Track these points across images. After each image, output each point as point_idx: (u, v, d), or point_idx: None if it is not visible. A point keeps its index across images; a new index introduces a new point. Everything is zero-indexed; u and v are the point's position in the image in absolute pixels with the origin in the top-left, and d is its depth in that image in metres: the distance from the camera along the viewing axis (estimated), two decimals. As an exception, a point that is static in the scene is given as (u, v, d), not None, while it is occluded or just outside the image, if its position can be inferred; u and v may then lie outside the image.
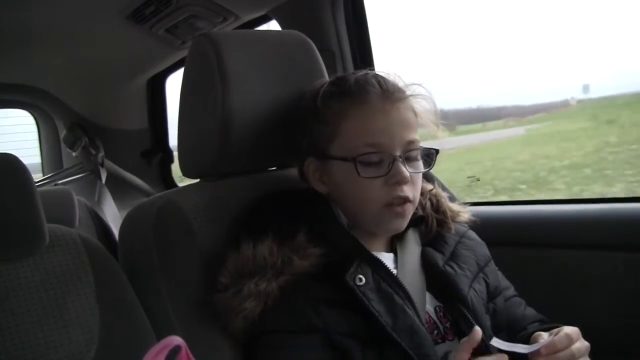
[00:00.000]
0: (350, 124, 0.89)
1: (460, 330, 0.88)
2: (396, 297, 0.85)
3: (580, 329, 0.83)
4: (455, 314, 0.89)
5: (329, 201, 0.91)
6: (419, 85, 0.94)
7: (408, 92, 0.92)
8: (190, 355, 0.68)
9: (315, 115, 0.92)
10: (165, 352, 0.66)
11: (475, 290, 0.93)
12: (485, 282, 0.97)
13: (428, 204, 0.99)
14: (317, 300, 0.82)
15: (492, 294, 0.98)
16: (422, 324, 0.84)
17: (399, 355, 0.81)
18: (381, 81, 0.92)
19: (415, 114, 0.92)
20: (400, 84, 0.93)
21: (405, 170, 0.87)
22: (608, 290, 1.13)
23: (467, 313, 0.89)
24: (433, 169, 0.95)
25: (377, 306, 0.82)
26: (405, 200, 0.88)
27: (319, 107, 0.92)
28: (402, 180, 0.87)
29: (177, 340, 0.68)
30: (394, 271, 0.89)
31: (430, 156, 0.93)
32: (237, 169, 1.04)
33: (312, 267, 0.84)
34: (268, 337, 0.82)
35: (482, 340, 0.86)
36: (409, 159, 0.89)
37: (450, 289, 0.91)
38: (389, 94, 0.90)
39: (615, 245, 1.14)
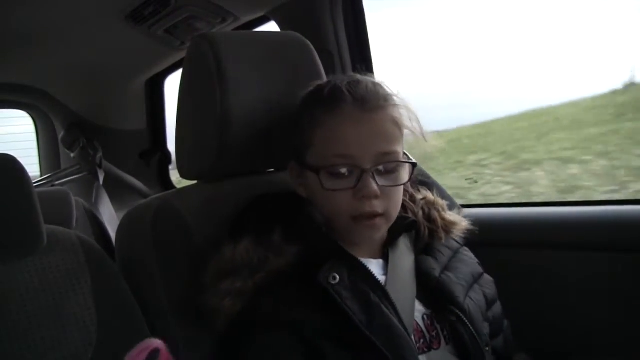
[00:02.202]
0: (322, 133, 0.87)
1: (457, 337, 0.87)
2: (373, 295, 0.83)
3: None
4: (453, 320, 0.88)
5: (309, 204, 0.90)
6: (400, 95, 0.90)
7: (389, 102, 0.88)
8: (171, 358, 0.67)
9: (296, 121, 0.92)
10: (144, 355, 0.66)
11: (472, 299, 0.93)
12: (483, 292, 0.97)
13: (420, 212, 0.97)
14: (292, 299, 0.81)
15: (490, 302, 0.98)
16: (405, 328, 0.82)
17: (375, 356, 0.79)
18: (356, 89, 0.87)
19: (397, 124, 0.88)
20: (381, 93, 0.88)
21: (374, 184, 0.84)
22: (606, 292, 1.13)
23: (465, 319, 0.88)
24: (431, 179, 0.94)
25: (350, 304, 0.80)
26: (374, 215, 0.85)
27: (299, 112, 0.92)
28: (368, 194, 0.83)
29: (155, 343, 0.68)
30: (383, 277, 0.88)
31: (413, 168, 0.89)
32: (235, 171, 1.04)
33: (289, 266, 0.83)
34: (243, 335, 0.81)
35: (479, 347, 0.87)
36: (382, 172, 0.86)
37: (446, 296, 0.90)
38: (363, 103, 0.86)
39: (614, 247, 1.14)
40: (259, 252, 0.83)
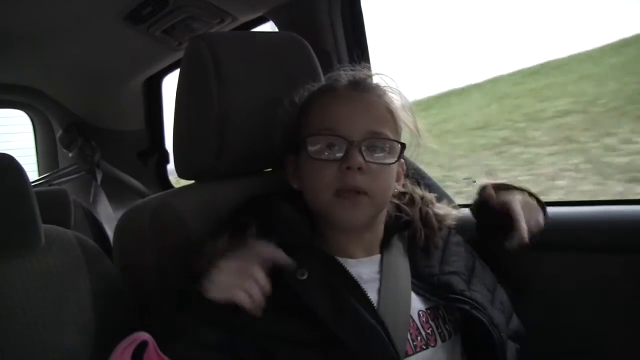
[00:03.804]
0: (315, 110, 0.90)
1: (473, 324, 0.87)
2: (346, 293, 0.81)
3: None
4: (466, 309, 0.87)
5: (296, 198, 0.91)
6: (400, 88, 0.92)
7: (385, 89, 0.91)
8: (159, 351, 0.68)
9: (293, 112, 0.94)
10: (132, 348, 0.66)
11: (475, 290, 0.93)
12: (482, 282, 0.97)
13: (417, 215, 0.96)
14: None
15: (490, 290, 0.97)
16: (386, 330, 0.80)
17: (344, 356, 0.78)
18: (353, 75, 0.92)
19: (390, 112, 0.90)
20: (378, 81, 0.92)
21: (359, 156, 0.84)
22: (606, 292, 1.14)
23: (478, 305, 0.87)
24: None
25: (318, 301, 0.79)
26: (356, 189, 0.85)
27: (295, 102, 0.94)
28: (353, 165, 0.83)
29: (144, 335, 0.68)
30: (378, 275, 0.88)
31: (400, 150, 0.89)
32: (232, 171, 1.04)
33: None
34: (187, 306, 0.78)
35: (497, 337, 0.87)
36: (369, 149, 0.86)
37: (452, 288, 0.90)
38: (357, 84, 0.90)
39: (613, 248, 1.14)
40: (233, 246, 0.82)
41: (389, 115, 0.90)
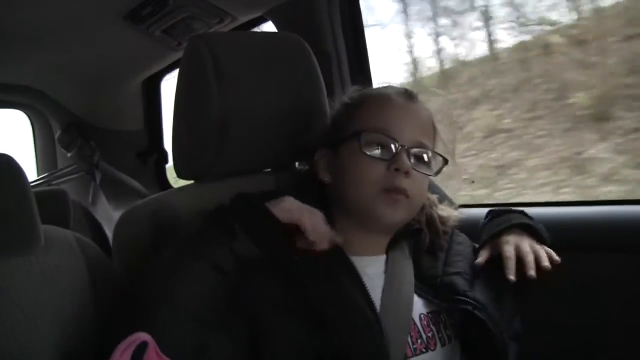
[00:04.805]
0: (367, 109, 0.92)
1: (476, 326, 0.87)
2: (343, 276, 0.84)
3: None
4: (469, 310, 0.88)
5: (325, 192, 0.93)
6: (443, 106, 0.98)
7: (430, 105, 0.95)
8: (159, 351, 0.68)
9: (336, 111, 0.97)
10: (131, 349, 0.66)
11: (478, 290, 0.92)
12: (485, 284, 0.96)
13: (423, 218, 0.98)
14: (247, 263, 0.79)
15: (493, 293, 0.96)
16: (378, 320, 0.81)
17: (332, 336, 0.78)
18: (406, 87, 0.95)
19: (434, 127, 0.94)
20: (423, 97, 0.96)
21: (408, 161, 0.87)
22: (606, 292, 1.14)
23: (480, 306, 0.87)
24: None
25: (312, 279, 0.81)
26: (402, 191, 0.87)
27: (343, 102, 0.97)
28: (402, 168, 0.86)
29: (144, 336, 0.68)
30: (383, 275, 0.89)
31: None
32: (231, 171, 1.04)
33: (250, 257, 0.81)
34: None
35: (499, 337, 0.87)
36: (416, 156, 0.90)
37: (455, 290, 0.90)
38: (407, 95, 0.94)
39: (613, 248, 1.14)
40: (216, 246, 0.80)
41: (432, 128, 0.94)
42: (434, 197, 1.01)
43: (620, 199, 1.55)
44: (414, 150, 0.90)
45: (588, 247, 1.17)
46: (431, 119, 0.95)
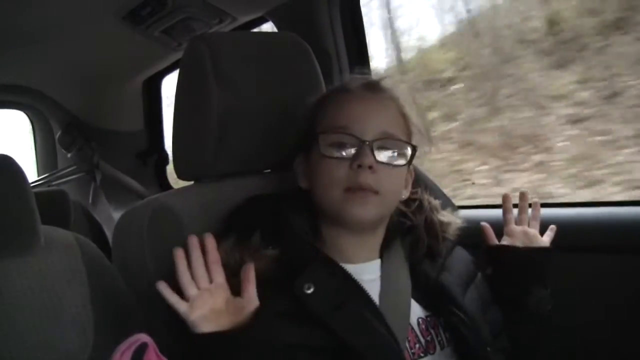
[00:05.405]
0: (328, 109, 0.90)
1: (459, 338, 0.87)
2: (352, 304, 0.81)
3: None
4: (454, 321, 0.87)
5: (304, 199, 0.91)
6: (415, 95, 0.93)
7: (400, 95, 0.92)
8: (159, 353, 0.68)
9: (306, 112, 0.94)
10: (131, 350, 0.66)
11: (470, 300, 0.93)
12: (478, 292, 0.97)
13: (422, 222, 0.96)
14: (272, 312, 0.78)
15: (486, 303, 0.97)
16: (392, 335, 0.80)
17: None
18: (367, 77, 0.93)
19: (403, 115, 0.91)
20: (394, 86, 0.93)
21: (371, 156, 0.84)
22: (606, 292, 1.14)
23: (466, 319, 0.87)
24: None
25: (329, 312, 0.79)
26: (367, 187, 0.84)
27: (311, 106, 0.94)
28: (364, 163, 0.84)
29: (143, 337, 0.68)
30: (378, 279, 0.88)
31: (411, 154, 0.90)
32: (231, 171, 1.04)
33: (267, 271, 0.81)
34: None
35: (483, 347, 0.87)
36: (381, 149, 0.86)
37: (445, 297, 0.89)
38: (373, 87, 0.91)
39: (613, 248, 1.14)
40: (236, 254, 0.83)
41: (402, 118, 0.91)
42: (436, 202, 0.99)
43: (621, 200, 1.55)
44: (378, 142, 0.86)
45: (588, 247, 1.17)
46: (399, 108, 0.91)
